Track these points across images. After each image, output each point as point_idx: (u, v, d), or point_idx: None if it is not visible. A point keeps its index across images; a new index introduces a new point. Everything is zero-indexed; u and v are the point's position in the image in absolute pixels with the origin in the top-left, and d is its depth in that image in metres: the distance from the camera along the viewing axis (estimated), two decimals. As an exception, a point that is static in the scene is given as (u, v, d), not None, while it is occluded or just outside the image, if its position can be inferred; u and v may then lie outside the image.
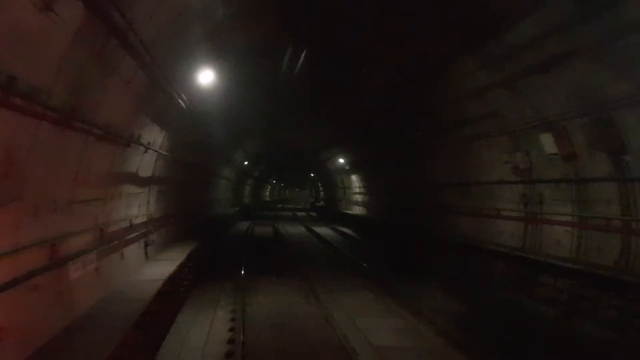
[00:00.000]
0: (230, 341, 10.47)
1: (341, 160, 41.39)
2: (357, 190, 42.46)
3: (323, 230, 38.35)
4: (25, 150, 5.84)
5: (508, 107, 14.80)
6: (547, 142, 13.54)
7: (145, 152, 11.67)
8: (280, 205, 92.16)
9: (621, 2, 9.20)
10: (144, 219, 13.11)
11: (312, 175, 72.50)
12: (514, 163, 15.61)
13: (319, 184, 73.63)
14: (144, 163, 12.11)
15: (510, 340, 10.93)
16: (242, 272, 18.13)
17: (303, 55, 14.26)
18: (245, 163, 45.45)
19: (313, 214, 66.60)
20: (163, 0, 8.60)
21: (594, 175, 12.45)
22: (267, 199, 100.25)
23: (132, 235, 11.69)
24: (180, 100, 11.98)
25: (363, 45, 15.60)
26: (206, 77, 12.54)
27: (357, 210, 41.93)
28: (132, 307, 8.73)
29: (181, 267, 13.43)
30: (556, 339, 11.37)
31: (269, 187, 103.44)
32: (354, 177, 42.76)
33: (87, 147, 7.68)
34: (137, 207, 12.28)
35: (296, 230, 40.32)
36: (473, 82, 15.34)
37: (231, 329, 11.32)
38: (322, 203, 71.11)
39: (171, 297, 11.82)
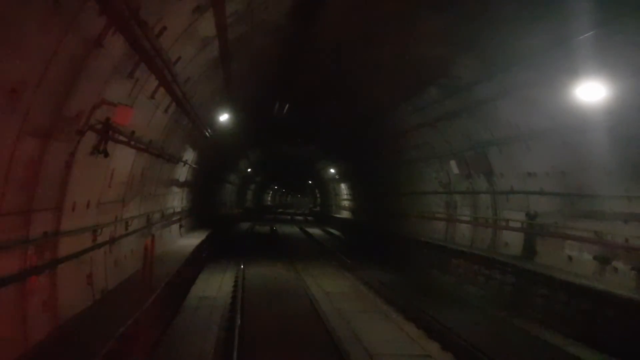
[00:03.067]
0: (235, 286, 16.67)
1: (332, 171, 47.60)
2: (345, 197, 48.74)
3: (313, 230, 44.84)
4: (140, 170, 12.03)
5: (434, 140, 21.03)
6: (453, 166, 19.86)
7: (184, 165, 17.98)
8: (280, 210, 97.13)
9: (470, 89, 15.45)
10: (179, 210, 19.41)
11: (310, 182, 77.76)
12: (440, 179, 21.92)
13: (316, 191, 78.84)
14: (182, 173, 18.42)
15: (415, 293, 17.07)
16: (244, 253, 24.42)
17: (287, 106, 20.98)
18: (249, 170, 51.42)
19: (310, 218, 72.84)
20: (196, 55, 14.15)
21: (480, 189, 18.68)
22: (269, 203, 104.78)
23: (174, 219, 18.02)
24: (206, 132, 18.17)
25: (331, 98, 22.15)
26: (223, 116, 18.78)
27: (345, 214, 48.16)
28: (178, 257, 14.99)
29: (201, 243, 19.72)
30: (448, 294, 17.52)
31: (271, 192, 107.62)
32: (342, 186, 49.02)
33: (163, 165, 13.97)
34: (177, 201, 18.64)
35: (291, 230, 46.66)
36: (412, 120, 21.54)
37: (235, 282, 17.51)
38: (318, 208, 77.03)
39: (195, 262, 18.06)
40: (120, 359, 7.03)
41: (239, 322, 11.58)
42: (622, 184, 11.79)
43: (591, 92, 10.85)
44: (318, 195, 77.82)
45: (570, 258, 13.75)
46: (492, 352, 10.00)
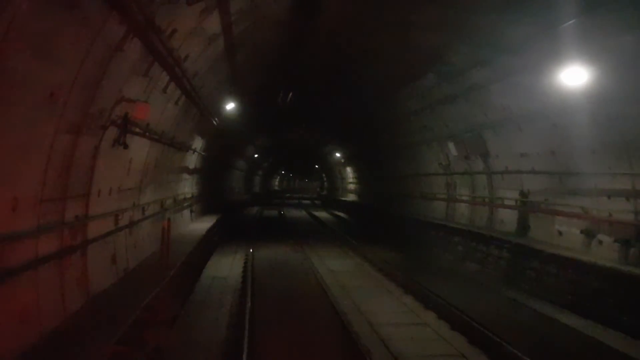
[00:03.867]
0: (245, 266, 17.59)
1: (337, 154, 48.36)
2: (351, 180, 49.59)
3: (320, 213, 45.78)
4: (154, 159, 12.89)
5: (433, 123, 21.76)
6: (452, 148, 20.62)
7: (193, 153, 18.82)
8: (288, 195, 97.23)
9: (465, 75, 16.17)
10: (190, 195, 20.31)
11: (317, 166, 78.49)
12: (440, 160, 22.69)
13: (323, 175, 79.59)
14: (192, 160, 19.28)
15: (415, 269, 17.92)
16: (252, 236, 25.35)
17: (291, 94, 21.77)
18: (256, 156, 52.21)
19: (317, 202, 73.72)
20: (203, 52, 14.98)
21: (477, 170, 19.46)
22: (277, 188, 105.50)
23: (185, 204, 18.93)
24: (213, 120, 18.98)
25: (333, 85, 22.87)
26: (229, 105, 19.58)
27: (351, 197, 49.01)
28: (191, 239, 15.91)
29: (212, 227, 20.63)
30: (447, 270, 18.39)
31: (278, 177, 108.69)
32: (348, 169, 49.85)
33: (175, 154, 14.83)
34: (188, 187, 19.54)
35: (298, 213, 47.58)
36: (412, 105, 22.26)
37: (245, 263, 18.43)
38: (325, 192, 77.90)
39: (206, 244, 18.98)
40: (144, 327, 7.94)
41: (249, 297, 12.47)
42: (606, 162, 12.56)
43: (574, 76, 11.56)
44: (325, 179, 78.53)
45: (560, 233, 14.56)
46: (483, 320, 10.82)
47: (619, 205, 12.34)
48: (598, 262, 12.11)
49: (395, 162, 30.08)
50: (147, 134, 10.56)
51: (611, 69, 10.94)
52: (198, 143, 19.40)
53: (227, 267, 17.77)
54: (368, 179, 40.53)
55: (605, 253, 12.66)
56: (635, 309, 10.83)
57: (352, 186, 49.39)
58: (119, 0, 5.97)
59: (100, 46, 6.37)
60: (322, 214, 45.25)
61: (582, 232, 13.58)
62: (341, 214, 45.39)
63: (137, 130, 9.64)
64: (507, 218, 17.42)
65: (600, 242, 13.00)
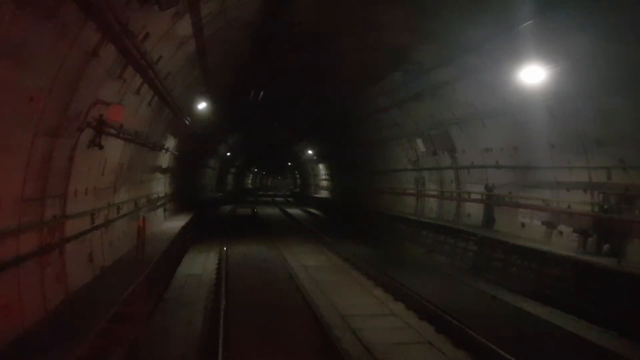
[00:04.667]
0: (219, 264, 17.85)
1: (310, 152, 48.76)
2: (323, 177, 50.04)
3: (293, 210, 46.13)
4: (128, 159, 13.09)
5: (402, 120, 22.29)
6: (420, 144, 21.17)
7: (166, 153, 19.01)
8: (261, 192, 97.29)
9: (431, 73, 16.66)
10: (163, 194, 20.47)
11: (289, 164, 78.65)
12: (409, 157, 23.23)
13: (296, 172, 79.86)
14: (164, 159, 19.45)
15: (386, 263, 18.39)
16: (226, 234, 25.57)
17: (262, 93, 22.11)
18: (228, 154, 52.29)
19: (290, 199, 74.04)
20: (175, 54, 15.14)
21: (445, 165, 20.02)
22: (250, 186, 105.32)
23: (159, 203, 19.09)
24: (185, 120, 19.18)
25: (304, 84, 23.26)
26: (201, 104, 19.82)
27: (324, 194, 49.48)
28: (165, 237, 16.13)
29: (185, 225, 20.82)
30: (417, 262, 18.89)
31: (251, 175, 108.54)
32: (320, 166, 50.30)
33: (148, 154, 15.04)
34: (161, 186, 19.70)
35: (272, 211, 47.85)
36: (381, 103, 22.73)
37: (219, 260, 18.68)
38: (298, 189, 78.26)
39: (180, 243, 19.20)
40: (122, 322, 8.22)
41: (223, 295, 12.76)
42: (564, 156, 13.19)
43: (532, 74, 12.14)
44: (298, 176, 78.90)
45: (523, 225, 15.18)
46: (450, 309, 11.34)
47: (578, 197, 12.97)
48: (558, 251, 12.71)
49: (366, 159, 30.59)
50: (121, 134, 10.78)
51: (566, 68, 11.52)
52: (171, 142, 19.58)
53: (200, 264, 18.01)
54: (340, 175, 41.06)
55: (565, 243, 13.30)
56: (592, 295, 11.45)
57: (324, 183, 49.84)
58: (95, 9, 6.24)
59: (77, 52, 6.64)
60: (295, 211, 45.59)
61: (543, 223, 14.21)
62: (314, 211, 45.85)
63: (112, 131, 9.87)
64: (474, 211, 18.01)
65: (561, 233, 13.63)
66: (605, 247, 11.95)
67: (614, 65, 10.61)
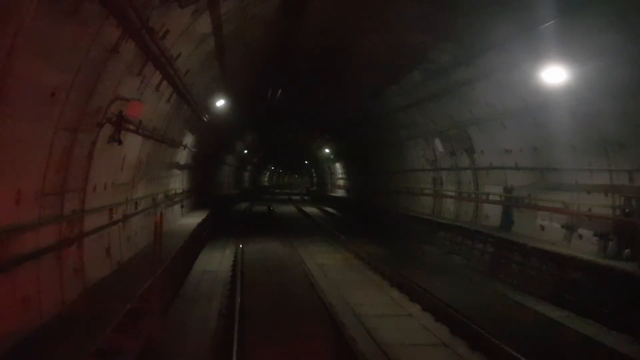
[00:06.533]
0: (235, 261, 17.91)
1: (327, 150, 48.71)
2: (340, 176, 49.97)
3: (309, 209, 46.18)
4: (146, 155, 13.16)
5: (420, 120, 22.15)
6: (438, 144, 21.03)
7: (184, 149, 19.11)
8: (277, 190, 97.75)
9: (449, 73, 16.54)
10: (181, 191, 20.60)
11: (306, 162, 78.67)
12: (427, 157, 23.10)
13: (312, 170, 79.83)
14: (182, 156, 19.56)
15: (402, 263, 18.30)
16: (242, 232, 25.66)
17: (280, 91, 22.13)
18: (245, 151, 52.41)
19: (306, 197, 74.03)
20: (194, 51, 15.22)
21: (463, 166, 19.87)
22: (266, 184, 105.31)
23: (176, 200, 19.21)
24: (203, 117, 19.27)
25: (321, 82, 23.28)
26: (219, 101, 19.89)
27: (340, 192, 49.42)
28: (182, 234, 16.21)
29: (202, 222, 20.93)
30: (433, 263, 18.76)
31: (268, 172, 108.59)
32: (337, 165, 50.23)
33: (166, 150, 15.12)
34: (178, 182, 19.83)
35: (288, 209, 47.98)
36: (399, 102, 22.62)
37: (235, 258, 18.74)
38: (314, 188, 78.28)
39: (197, 239, 19.28)
40: (139, 316, 8.26)
41: (239, 291, 12.80)
42: (585, 158, 13.00)
43: (554, 75, 11.98)
44: (314, 174, 78.84)
45: (542, 227, 14.99)
46: (466, 312, 11.24)
47: (598, 200, 12.77)
48: (578, 255, 12.53)
49: (383, 158, 30.48)
50: (140, 130, 10.85)
51: (589, 68, 11.34)
52: (188, 139, 19.67)
53: (216, 261, 18.09)
54: (357, 174, 40.95)
55: (584, 246, 13.10)
56: (612, 300, 11.27)
57: (341, 182, 49.77)
58: (116, 5, 6.27)
59: (97, 48, 6.67)
60: (311, 210, 45.62)
61: (563, 226, 14.01)
62: (330, 209, 45.78)
63: (131, 127, 9.93)
64: (492, 213, 17.84)
65: (580, 236, 13.43)
66: (626, 251, 11.76)
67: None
